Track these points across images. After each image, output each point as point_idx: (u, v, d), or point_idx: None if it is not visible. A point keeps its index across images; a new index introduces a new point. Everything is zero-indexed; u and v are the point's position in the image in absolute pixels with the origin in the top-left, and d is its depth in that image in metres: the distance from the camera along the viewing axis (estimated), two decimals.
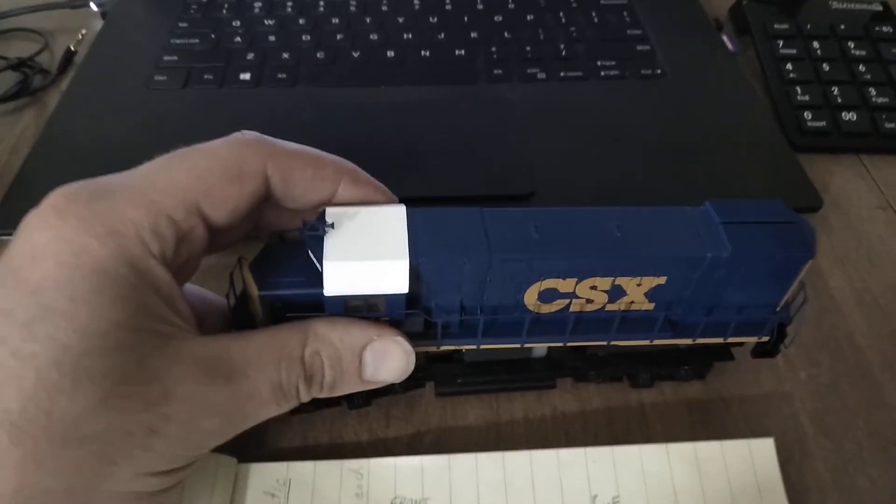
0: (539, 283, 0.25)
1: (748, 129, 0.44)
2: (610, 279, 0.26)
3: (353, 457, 0.29)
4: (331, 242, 0.23)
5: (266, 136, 0.25)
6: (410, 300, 0.25)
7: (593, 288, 0.26)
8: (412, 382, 0.31)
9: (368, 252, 0.23)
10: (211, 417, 0.21)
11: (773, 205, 0.27)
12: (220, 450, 0.27)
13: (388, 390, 0.31)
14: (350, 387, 0.25)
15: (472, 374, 0.31)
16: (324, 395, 0.24)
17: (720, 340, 0.28)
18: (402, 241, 0.24)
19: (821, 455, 0.31)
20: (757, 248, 0.25)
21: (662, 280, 0.26)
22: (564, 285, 0.26)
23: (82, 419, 0.19)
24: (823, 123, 0.45)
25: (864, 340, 0.35)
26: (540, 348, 0.30)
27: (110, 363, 0.19)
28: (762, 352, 0.30)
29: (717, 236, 0.25)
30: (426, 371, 0.30)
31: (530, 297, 0.26)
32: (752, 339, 0.29)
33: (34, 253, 0.20)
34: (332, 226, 0.24)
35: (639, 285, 0.26)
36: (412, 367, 0.25)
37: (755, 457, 0.29)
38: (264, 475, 0.28)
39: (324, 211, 0.25)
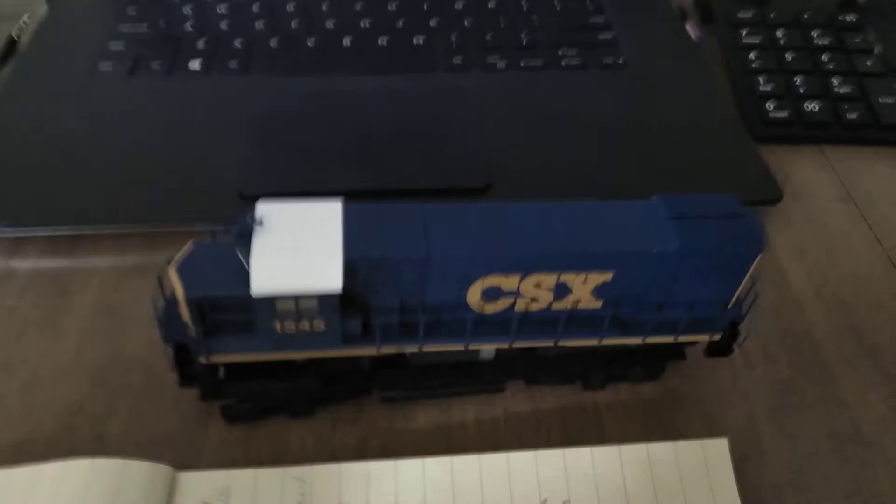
0: (482, 280, 0.25)
1: (710, 120, 0.43)
2: (555, 275, 0.25)
3: (298, 464, 0.28)
4: (260, 240, 0.22)
5: None
6: (346, 300, 0.24)
7: (538, 286, 0.25)
8: (355, 389, 0.30)
9: (299, 249, 0.22)
10: None
11: (722, 198, 0.26)
12: (155, 458, 0.27)
13: (332, 398, 0.30)
14: None
15: (418, 378, 0.30)
16: None
17: (671, 339, 0.28)
18: (336, 237, 0.23)
19: (777, 453, 0.31)
20: (705, 242, 0.25)
21: (609, 276, 0.25)
22: (508, 283, 0.25)
23: None
24: (786, 114, 0.45)
25: (822, 335, 0.35)
26: (487, 350, 0.29)
27: None
28: (715, 350, 0.29)
29: (664, 230, 0.25)
30: (370, 376, 0.29)
31: (473, 296, 0.25)
32: (705, 338, 0.28)
33: None
34: (260, 222, 0.23)
35: (584, 282, 0.25)
36: None
37: (708, 457, 0.29)
38: (202, 484, 0.27)
39: (254, 206, 0.23)
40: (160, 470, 0.26)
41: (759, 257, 0.26)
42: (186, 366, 0.26)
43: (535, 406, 0.31)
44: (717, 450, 0.29)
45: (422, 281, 0.24)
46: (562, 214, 0.25)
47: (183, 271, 0.23)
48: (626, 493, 0.28)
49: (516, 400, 0.31)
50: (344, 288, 0.23)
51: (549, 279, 0.25)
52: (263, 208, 0.23)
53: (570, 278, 0.25)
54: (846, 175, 0.43)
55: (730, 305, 0.27)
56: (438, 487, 0.27)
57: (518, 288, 0.25)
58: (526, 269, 0.25)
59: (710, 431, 0.31)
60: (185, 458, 0.28)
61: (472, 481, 0.28)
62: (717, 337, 0.28)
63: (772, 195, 0.39)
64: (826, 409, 0.32)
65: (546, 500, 0.27)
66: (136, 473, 0.26)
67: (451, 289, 0.25)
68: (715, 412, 0.32)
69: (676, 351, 0.31)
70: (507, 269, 0.24)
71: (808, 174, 0.43)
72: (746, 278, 0.27)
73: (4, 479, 0.26)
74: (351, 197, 0.35)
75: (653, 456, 0.29)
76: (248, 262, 0.22)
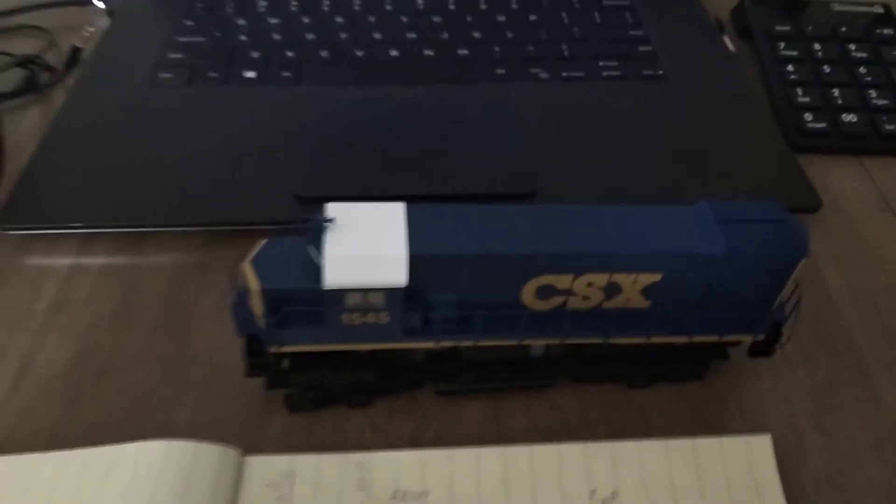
0: (536, 279, 0.26)
1: (748, 130, 0.44)
2: (606, 275, 0.26)
3: (356, 450, 0.29)
4: (331, 237, 0.24)
5: None
6: (409, 295, 0.25)
7: (590, 285, 0.26)
8: (411, 382, 0.31)
9: (368, 246, 0.24)
10: None
11: (767, 204, 0.27)
12: (224, 442, 0.28)
13: (389, 389, 0.31)
14: None
15: (471, 372, 0.31)
16: None
17: (716, 338, 0.29)
18: (401, 236, 0.24)
19: (817, 453, 0.31)
20: (751, 246, 0.26)
21: (658, 277, 0.26)
22: (561, 281, 0.26)
23: None
24: (824, 125, 0.45)
25: (861, 339, 0.36)
26: (537, 347, 0.30)
27: None
28: (758, 351, 0.30)
29: (712, 234, 0.26)
30: (425, 369, 0.31)
31: (528, 294, 0.26)
32: (749, 338, 0.29)
33: None
34: (332, 220, 0.24)
35: (634, 282, 0.26)
36: None
37: (753, 453, 0.30)
38: (267, 468, 0.28)
39: (324, 206, 0.25)
40: (229, 453, 0.28)
41: (803, 260, 0.26)
42: (255, 356, 0.28)
43: (581, 401, 0.32)
44: (762, 446, 0.30)
45: (479, 278, 0.26)
46: (613, 217, 0.26)
47: (257, 266, 0.25)
48: (672, 486, 0.29)
49: (563, 394, 0.33)
50: (408, 283, 0.24)
51: (601, 279, 0.26)
52: (333, 208, 0.25)
53: (620, 278, 0.26)
54: (885, 185, 0.44)
55: (773, 307, 0.28)
56: (491, 476, 0.29)
57: (571, 287, 0.26)
58: (579, 270, 0.26)
59: (751, 429, 0.32)
60: (250, 443, 0.29)
61: (524, 471, 0.29)
62: (760, 337, 0.29)
63: (811, 203, 0.40)
64: (865, 410, 0.33)
65: (595, 491, 0.28)
66: (207, 455, 0.27)
67: (506, 286, 0.26)
68: (756, 412, 0.33)
69: (720, 351, 0.32)
70: (560, 269, 0.26)
71: (846, 184, 0.44)
72: (790, 281, 0.28)
73: (86, 457, 0.27)
74: (400, 201, 0.36)
75: (699, 450, 0.29)
76: (320, 258, 0.24)
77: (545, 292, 0.26)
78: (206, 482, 0.27)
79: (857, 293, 0.38)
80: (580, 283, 0.26)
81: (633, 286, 0.27)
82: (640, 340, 0.29)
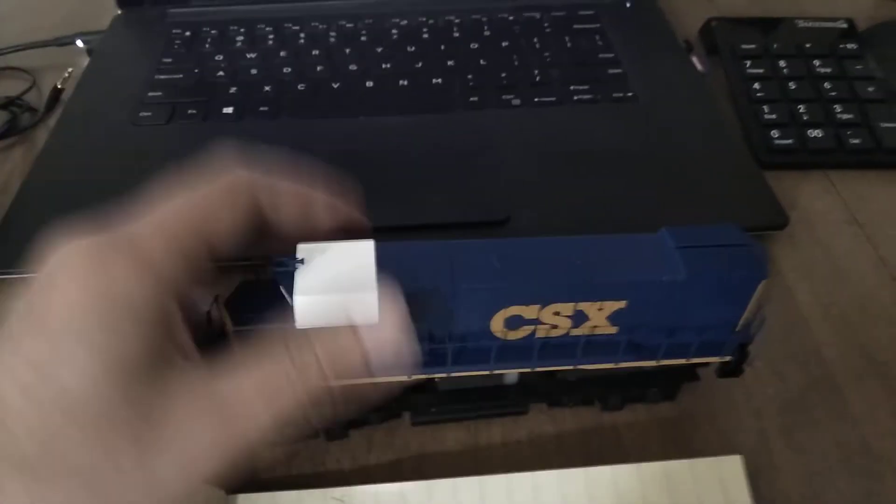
0: (504, 310, 0.27)
1: (717, 149, 0.45)
2: (572, 304, 0.27)
3: (336, 484, 0.30)
4: (302, 277, 0.24)
5: (254, 170, 0.25)
6: None
7: (557, 314, 0.27)
8: (388, 413, 0.32)
9: (338, 285, 0.24)
10: (205, 454, 0.22)
11: (727, 229, 0.28)
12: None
13: (365, 421, 0.32)
14: (353, 362, 0.24)
15: (447, 402, 0.32)
16: (329, 378, 0.23)
17: (683, 361, 0.29)
18: (371, 274, 0.25)
19: (789, 469, 0.32)
20: (710, 271, 0.27)
21: (623, 304, 0.27)
22: (528, 311, 0.27)
23: (79, 457, 0.20)
24: (791, 141, 0.46)
25: (831, 354, 0.37)
26: (511, 375, 0.31)
27: (106, 404, 0.20)
28: (727, 372, 0.31)
29: (672, 261, 0.27)
30: (402, 401, 0.31)
31: (497, 325, 0.27)
32: (715, 360, 0.30)
33: (50, 293, 0.21)
34: (301, 261, 0.25)
35: (600, 310, 0.27)
36: (410, 328, 0.24)
37: (724, 474, 0.30)
38: None
39: (296, 247, 0.26)
40: (213, 492, 0.28)
41: (763, 283, 0.27)
42: None
43: (557, 426, 0.33)
44: (732, 467, 0.31)
45: (449, 312, 0.26)
46: (577, 248, 0.27)
47: (231, 308, 0.26)
48: None
49: (539, 421, 0.33)
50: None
51: (567, 308, 0.27)
52: (303, 248, 0.25)
53: (586, 307, 0.27)
54: (851, 199, 0.45)
55: (738, 328, 0.29)
56: None
57: (538, 316, 0.27)
58: (545, 300, 0.27)
59: (724, 448, 0.32)
60: (233, 480, 0.30)
61: (501, 500, 0.29)
62: (727, 358, 0.30)
63: (778, 220, 0.41)
64: (836, 425, 0.34)
65: None
66: (193, 498, 0.28)
67: (475, 319, 0.27)
68: (728, 430, 0.33)
69: (690, 373, 0.33)
70: (527, 300, 0.26)
71: (813, 199, 0.45)
72: (753, 302, 0.28)
73: None
74: (375, 232, 0.37)
75: (671, 473, 0.30)
76: (291, 298, 0.24)
77: (514, 322, 0.27)
78: None
79: (826, 306, 0.39)
80: (547, 313, 0.27)
81: (600, 313, 0.27)
82: (610, 366, 0.29)
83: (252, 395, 0.22)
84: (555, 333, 0.28)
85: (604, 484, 0.30)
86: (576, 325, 0.28)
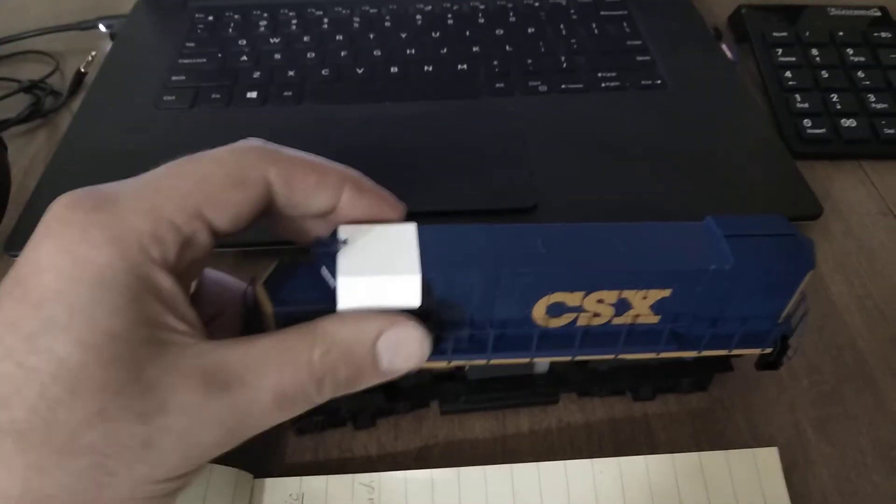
0: (547, 297, 0.26)
1: (748, 138, 0.44)
2: (616, 292, 0.26)
3: (364, 471, 0.30)
4: (344, 258, 0.24)
5: (270, 143, 0.25)
6: (422, 315, 0.25)
7: (600, 301, 0.26)
8: (417, 402, 0.32)
9: (381, 267, 0.24)
10: (209, 429, 0.21)
11: (772, 218, 0.27)
12: (237, 465, 0.28)
13: (393, 410, 0.32)
14: (368, 380, 0.24)
15: (476, 391, 0.31)
16: (340, 393, 0.24)
17: (725, 352, 0.29)
18: (413, 257, 0.24)
19: (824, 462, 0.32)
20: (758, 260, 0.26)
21: (667, 293, 0.26)
22: (572, 299, 0.26)
23: (80, 430, 0.20)
24: (823, 130, 0.46)
25: (865, 346, 0.36)
26: (542, 363, 0.31)
27: (107, 375, 0.20)
28: (766, 364, 0.30)
29: (719, 249, 0.26)
30: (430, 389, 0.31)
31: (539, 312, 0.26)
32: (756, 352, 0.29)
33: (38, 264, 0.21)
34: (344, 242, 0.24)
35: (644, 298, 0.26)
36: (428, 350, 0.25)
37: (760, 466, 0.30)
38: (279, 490, 0.29)
39: (336, 228, 0.25)
40: (242, 476, 0.28)
41: (809, 274, 0.27)
42: None
43: (587, 416, 0.33)
44: (768, 459, 0.30)
45: (491, 297, 0.26)
46: (622, 235, 0.26)
47: (270, 288, 0.25)
48: (680, 501, 0.29)
49: (568, 410, 0.33)
50: (420, 304, 0.24)
51: (611, 296, 0.26)
52: (344, 230, 0.25)
53: (630, 295, 0.26)
54: (886, 189, 0.44)
55: (780, 320, 0.28)
56: (499, 494, 0.29)
57: (581, 304, 0.26)
58: (589, 287, 0.26)
59: (756, 441, 0.32)
60: (262, 465, 0.30)
61: (532, 488, 0.29)
62: (767, 350, 0.29)
63: (812, 210, 0.40)
64: (872, 418, 0.33)
65: None
66: (221, 477, 0.27)
67: (517, 305, 0.26)
68: (761, 422, 0.33)
69: (724, 363, 0.32)
70: (571, 287, 0.26)
71: (847, 189, 0.44)
72: (797, 294, 0.28)
73: None
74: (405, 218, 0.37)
75: (706, 464, 0.30)
76: (334, 280, 0.24)
77: (556, 310, 0.27)
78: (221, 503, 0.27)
79: (860, 299, 0.38)
80: (590, 301, 0.26)
81: (643, 302, 0.27)
82: (650, 356, 0.29)
83: (269, 400, 0.22)
84: (596, 322, 0.27)
85: (637, 474, 0.29)
86: (618, 314, 0.27)
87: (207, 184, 0.23)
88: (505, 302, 0.26)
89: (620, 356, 0.28)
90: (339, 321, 0.24)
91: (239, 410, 0.22)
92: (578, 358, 0.28)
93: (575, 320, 0.27)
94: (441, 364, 0.27)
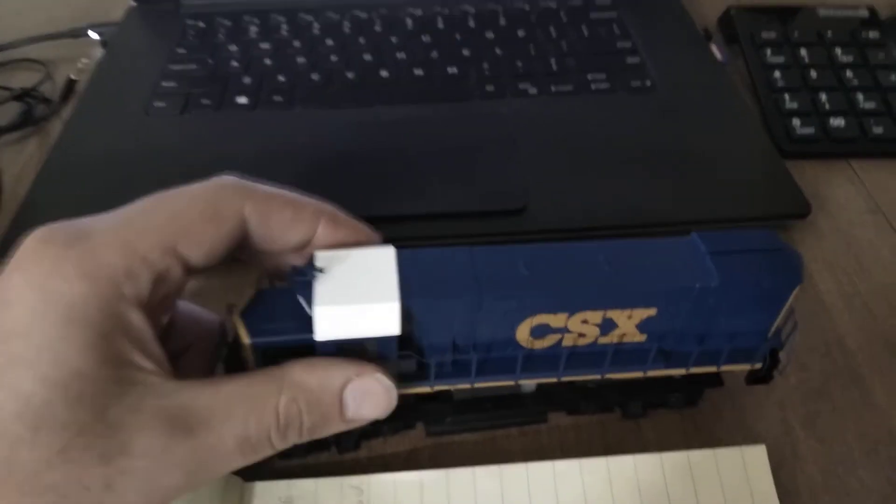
0: (530, 318, 0.26)
1: (737, 138, 0.44)
2: (601, 312, 0.26)
3: (353, 473, 0.30)
4: (321, 287, 0.23)
5: (244, 180, 0.25)
6: (403, 341, 0.25)
7: (584, 322, 0.26)
8: (402, 424, 0.32)
9: (359, 295, 0.23)
10: (171, 472, 0.21)
11: (760, 233, 0.27)
12: None
13: (378, 433, 0.31)
14: (331, 429, 0.24)
15: (463, 412, 0.31)
16: (303, 439, 0.24)
17: (713, 369, 0.28)
18: (392, 284, 0.24)
19: (812, 458, 0.32)
20: (744, 277, 0.26)
21: (653, 311, 0.26)
22: (556, 320, 0.26)
23: (41, 470, 0.19)
24: (812, 130, 0.46)
25: (853, 344, 0.36)
26: (530, 384, 0.30)
27: (70, 414, 0.20)
28: (756, 378, 0.30)
29: (704, 266, 0.26)
30: (416, 411, 0.31)
31: (522, 333, 0.26)
32: (745, 367, 0.29)
33: (7, 298, 0.20)
34: (321, 270, 0.24)
35: (630, 317, 0.26)
36: (395, 402, 0.25)
37: (748, 464, 0.30)
38: (268, 493, 0.29)
39: (313, 255, 0.25)
40: (231, 479, 0.28)
41: (797, 289, 0.26)
42: None
43: (576, 417, 0.33)
44: (756, 457, 0.30)
45: (473, 321, 0.25)
46: (605, 254, 0.26)
47: (248, 319, 0.24)
48: (668, 499, 0.29)
49: (557, 416, 0.33)
50: (401, 331, 0.24)
51: (596, 316, 0.26)
52: (322, 256, 0.24)
53: (615, 314, 0.26)
54: (874, 187, 0.44)
55: (770, 335, 0.28)
56: (488, 495, 0.29)
57: (566, 325, 0.26)
58: (573, 308, 0.25)
59: (746, 438, 0.32)
60: (251, 468, 0.30)
61: (521, 489, 0.29)
62: (757, 366, 0.29)
63: (800, 209, 0.40)
64: (859, 415, 0.33)
65: None
66: (211, 482, 0.27)
67: (500, 327, 0.26)
68: (750, 419, 0.33)
69: (714, 378, 0.32)
70: (555, 309, 0.25)
71: (836, 188, 0.44)
72: (786, 308, 0.27)
73: None
74: (394, 221, 0.36)
75: (694, 463, 0.30)
76: (311, 309, 0.23)
77: (540, 331, 0.26)
78: None
79: (849, 297, 0.38)
80: (575, 321, 0.26)
81: (629, 321, 0.26)
82: (638, 375, 0.28)
83: (232, 445, 0.22)
84: (582, 342, 0.27)
85: (625, 473, 0.29)
86: (604, 334, 0.27)
87: (182, 219, 0.23)
88: (488, 326, 0.25)
89: (609, 376, 0.28)
90: (306, 367, 0.23)
91: (201, 455, 0.21)
92: (565, 378, 0.28)
93: (560, 341, 0.27)
94: (425, 389, 0.27)
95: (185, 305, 0.28)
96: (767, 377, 0.30)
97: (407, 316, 0.24)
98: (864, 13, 0.54)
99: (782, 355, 0.29)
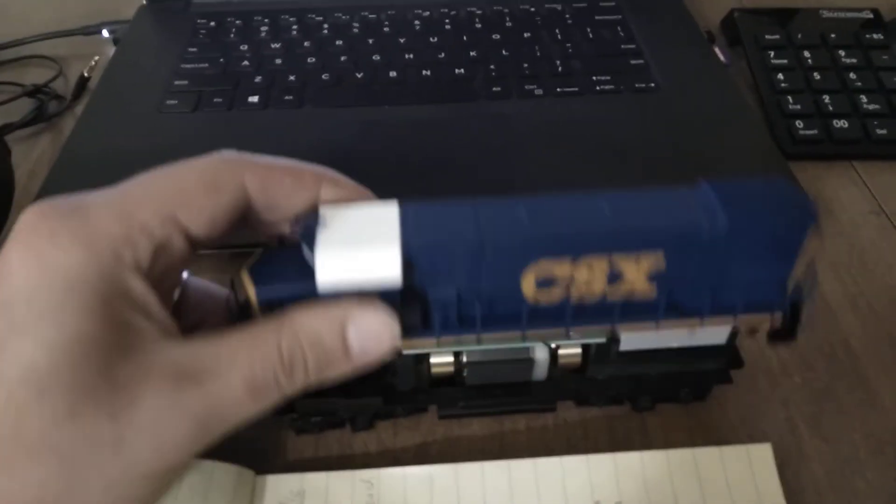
0: (535, 266, 0.25)
1: (741, 139, 0.45)
2: (606, 259, 0.25)
3: (364, 467, 0.30)
4: (323, 234, 0.24)
5: (245, 152, 0.25)
6: (406, 292, 0.25)
7: (590, 268, 0.25)
8: (415, 406, 0.32)
9: (360, 241, 0.24)
10: (181, 423, 0.21)
11: (771, 180, 0.26)
12: (238, 463, 0.29)
13: (391, 413, 0.32)
14: (337, 367, 0.24)
15: (474, 396, 0.31)
16: (312, 380, 0.23)
17: (730, 320, 0.27)
18: (394, 231, 0.24)
19: (817, 458, 0.32)
20: (755, 219, 0.25)
21: (661, 259, 0.25)
22: (560, 269, 0.25)
23: (49, 432, 0.19)
24: (815, 131, 0.46)
25: (858, 344, 0.36)
26: (540, 370, 0.31)
27: (75, 376, 0.20)
28: (778, 336, 0.28)
29: (712, 209, 0.25)
30: (428, 394, 0.31)
31: (528, 286, 0.26)
32: (764, 319, 0.28)
33: (6, 270, 0.21)
34: (324, 222, 0.24)
35: (637, 265, 0.25)
36: (398, 338, 0.24)
37: (754, 462, 0.30)
38: (280, 487, 0.29)
39: (317, 207, 0.25)
40: (244, 472, 0.29)
41: (813, 235, 0.25)
42: None
43: (583, 413, 0.33)
44: (762, 455, 0.30)
45: (476, 270, 0.25)
46: (608, 201, 0.26)
47: (254, 274, 0.25)
48: (674, 496, 0.29)
49: (565, 411, 0.33)
50: (404, 282, 0.24)
51: (601, 263, 0.25)
52: (325, 210, 0.25)
53: (622, 262, 0.25)
54: (877, 189, 0.45)
55: (790, 288, 0.27)
56: (497, 490, 0.29)
57: (571, 274, 0.25)
58: (576, 251, 0.25)
59: (751, 437, 0.32)
60: (263, 462, 0.30)
61: (529, 484, 0.29)
62: (777, 319, 0.28)
63: None
64: (865, 415, 0.34)
65: (599, 502, 0.29)
66: (223, 474, 0.28)
67: (505, 276, 0.25)
68: (756, 419, 0.33)
69: (723, 375, 0.32)
70: (557, 251, 0.25)
71: (839, 189, 0.45)
72: (803, 259, 0.26)
73: None
74: None
75: (700, 460, 0.30)
76: (313, 257, 0.23)
77: (545, 283, 0.26)
78: (223, 500, 0.28)
79: (853, 297, 0.39)
80: (580, 270, 0.25)
81: (637, 271, 0.26)
82: (649, 329, 0.27)
83: (240, 389, 0.22)
84: (589, 293, 0.26)
85: (632, 469, 0.30)
86: (611, 284, 0.26)
87: (181, 189, 0.23)
88: (491, 274, 0.25)
89: (618, 326, 0.27)
90: (306, 308, 0.23)
91: (211, 402, 0.21)
92: (573, 333, 0.27)
93: (567, 297, 0.26)
94: (430, 342, 0.27)
95: (197, 281, 0.28)
96: (790, 334, 0.28)
97: (409, 264, 0.24)
98: (868, 15, 0.54)
99: (805, 308, 0.27)
